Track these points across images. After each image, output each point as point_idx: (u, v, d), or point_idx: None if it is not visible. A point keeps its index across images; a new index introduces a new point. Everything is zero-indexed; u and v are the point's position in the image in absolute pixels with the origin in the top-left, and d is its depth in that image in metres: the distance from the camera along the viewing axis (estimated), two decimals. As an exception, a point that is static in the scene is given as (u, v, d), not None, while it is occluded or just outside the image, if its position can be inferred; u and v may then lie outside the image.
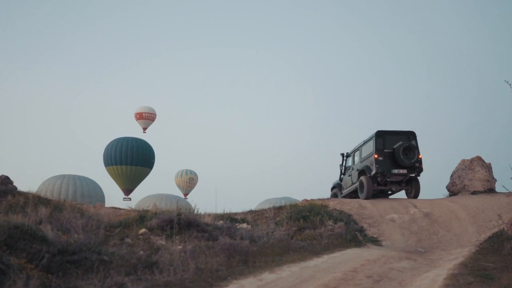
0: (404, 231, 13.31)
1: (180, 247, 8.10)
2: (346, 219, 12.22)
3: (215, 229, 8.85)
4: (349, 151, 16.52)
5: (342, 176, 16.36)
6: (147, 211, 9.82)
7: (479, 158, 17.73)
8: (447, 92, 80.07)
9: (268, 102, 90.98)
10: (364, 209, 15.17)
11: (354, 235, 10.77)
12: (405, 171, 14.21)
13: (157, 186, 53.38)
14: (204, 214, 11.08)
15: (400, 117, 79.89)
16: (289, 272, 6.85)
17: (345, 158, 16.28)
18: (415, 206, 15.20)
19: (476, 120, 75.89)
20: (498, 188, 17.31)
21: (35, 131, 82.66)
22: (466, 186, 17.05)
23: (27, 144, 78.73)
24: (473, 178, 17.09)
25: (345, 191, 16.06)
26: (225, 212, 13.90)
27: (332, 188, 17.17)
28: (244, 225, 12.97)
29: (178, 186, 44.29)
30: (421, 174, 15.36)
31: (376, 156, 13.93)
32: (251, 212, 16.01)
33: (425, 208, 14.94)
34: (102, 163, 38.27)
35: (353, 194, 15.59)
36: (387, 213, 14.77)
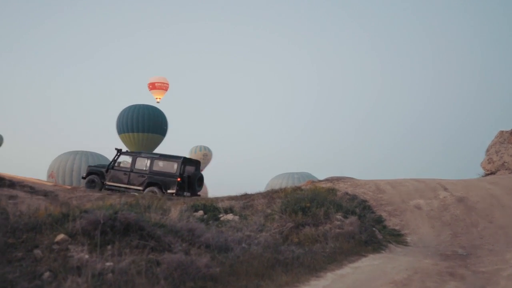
0: (434, 222, 10.52)
1: (109, 263, 5.38)
2: (360, 209, 9.41)
3: (169, 233, 6.05)
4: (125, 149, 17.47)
5: (110, 168, 16.51)
6: (71, 207, 7.01)
7: (521, 129, 14.76)
8: (479, 52, 73.72)
9: (289, 72, 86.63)
10: (383, 192, 12.42)
11: (371, 233, 7.96)
12: (189, 194, 16.04)
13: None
14: (171, 205, 8.33)
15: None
16: (265, 316, 4.07)
17: (119, 154, 16.65)
18: (445, 189, 12.38)
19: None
20: (545, 165, 14.44)
21: (45, 103, 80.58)
22: (505, 164, 14.12)
23: (40, 117, 76.83)
24: (514, 154, 14.12)
25: (111, 184, 16.32)
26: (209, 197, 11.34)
27: (90, 174, 16.63)
28: (230, 217, 10.25)
29: (193, 162, 42.85)
30: None
31: (179, 179, 15.56)
32: (244, 196, 13.40)
33: (458, 191, 12.13)
34: (116, 133, 37.33)
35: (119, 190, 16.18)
36: (411, 197, 12.00)
